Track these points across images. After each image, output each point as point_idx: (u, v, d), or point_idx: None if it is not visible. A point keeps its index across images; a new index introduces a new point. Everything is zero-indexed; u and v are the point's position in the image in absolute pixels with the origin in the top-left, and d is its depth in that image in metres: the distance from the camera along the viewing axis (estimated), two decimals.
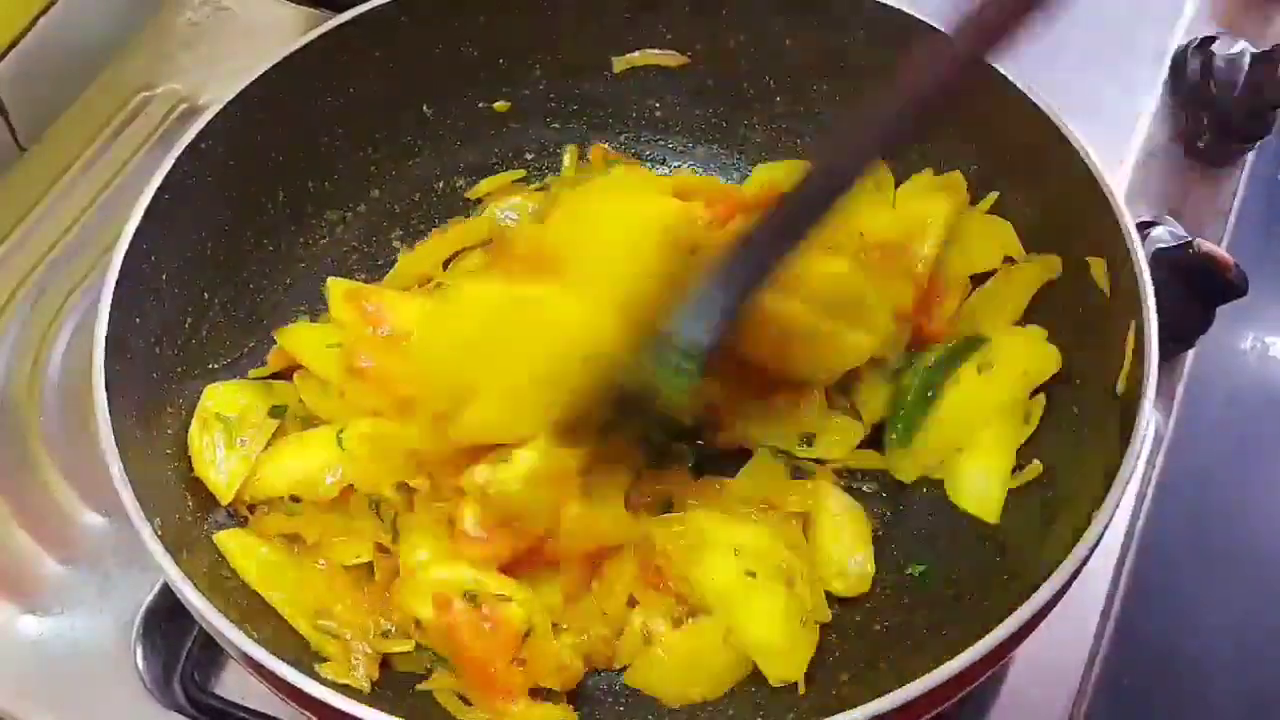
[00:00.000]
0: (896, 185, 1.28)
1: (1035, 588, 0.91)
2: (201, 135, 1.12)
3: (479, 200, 1.33)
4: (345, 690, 0.94)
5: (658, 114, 1.35)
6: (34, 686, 1.12)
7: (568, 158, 1.35)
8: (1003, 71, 1.16)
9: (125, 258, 1.06)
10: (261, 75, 1.16)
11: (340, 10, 1.21)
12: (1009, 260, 1.20)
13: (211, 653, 1.13)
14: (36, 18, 1.43)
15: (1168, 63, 1.52)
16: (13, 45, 1.41)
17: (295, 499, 1.09)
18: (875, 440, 1.18)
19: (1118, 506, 0.95)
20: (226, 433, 1.10)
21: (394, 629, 1.05)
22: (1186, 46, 1.52)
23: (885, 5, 1.20)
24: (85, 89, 1.50)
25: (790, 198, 1.00)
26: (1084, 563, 0.94)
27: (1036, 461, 1.11)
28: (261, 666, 0.90)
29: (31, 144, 1.45)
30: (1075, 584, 0.94)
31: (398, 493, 1.09)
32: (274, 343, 1.20)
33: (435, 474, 1.08)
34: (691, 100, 1.34)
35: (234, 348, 1.19)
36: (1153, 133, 1.47)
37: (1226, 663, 1.34)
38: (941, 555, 1.13)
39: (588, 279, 1.06)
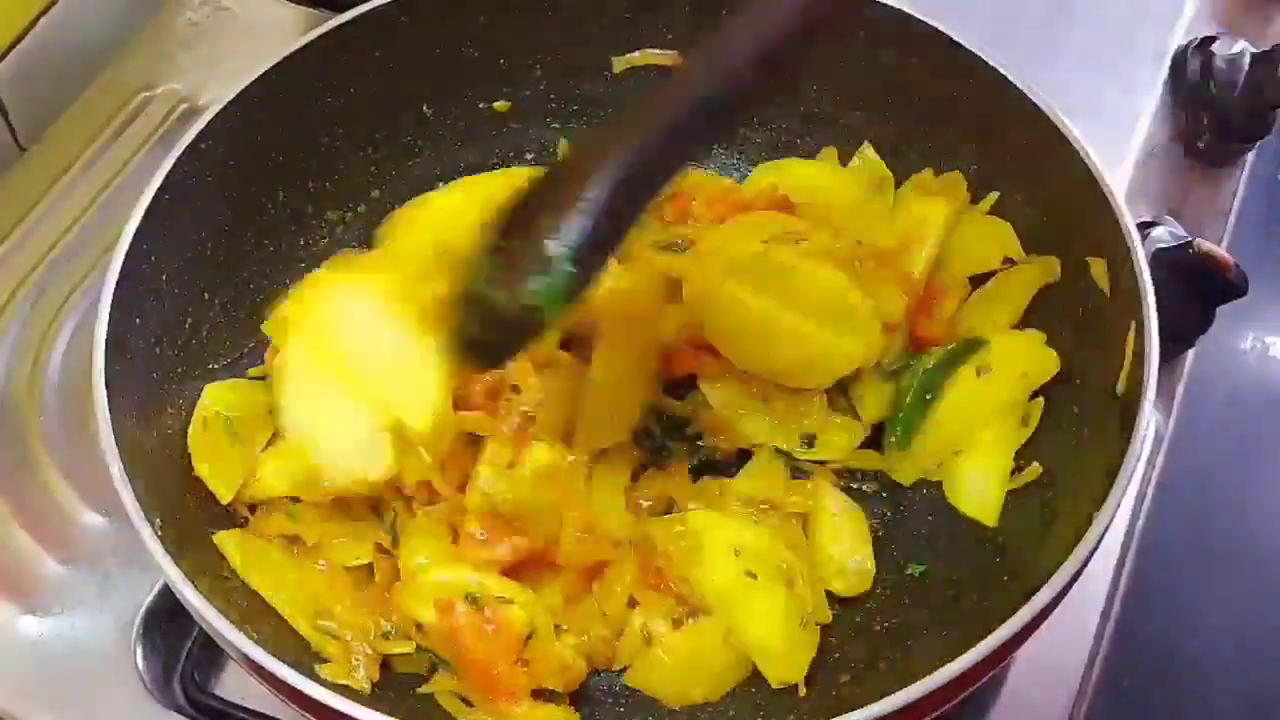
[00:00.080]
0: (896, 186, 1.28)
1: (1036, 589, 0.92)
2: (201, 135, 1.12)
3: None
4: (345, 691, 0.94)
5: None
6: (34, 686, 1.12)
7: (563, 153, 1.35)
8: (1003, 72, 1.16)
9: (125, 258, 1.06)
10: (261, 75, 1.16)
11: (340, 10, 1.21)
12: (1009, 262, 1.20)
13: (211, 653, 1.13)
14: (36, 18, 1.43)
15: (1168, 63, 1.52)
16: (13, 45, 1.41)
17: (295, 500, 1.09)
18: (875, 440, 1.19)
19: (1118, 507, 0.95)
20: (227, 432, 1.10)
21: (394, 630, 1.05)
22: (1186, 46, 1.52)
23: (885, 5, 1.20)
24: (85, 89, 1.50)
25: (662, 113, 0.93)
26: (1085, 564, 0.94)
27: (1036, 463, 1.11)
28: (261, 668, 0.91)
29: (31, 144, 1.45)
30: (1075, 584, 0.94)
31: (398, 495, 1.09)
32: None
33: (435, 476, 1.08)
34: None
35: (234, 348, 1.19)
36: (1153, 133, 1.47)
37: (1226, 663, 1.34)
38: (941, 556, 1.13)
39: None
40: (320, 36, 1.19)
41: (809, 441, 1.17)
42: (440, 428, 1.06)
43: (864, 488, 1.18)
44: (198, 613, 0.93)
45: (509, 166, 1.34)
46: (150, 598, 1.15)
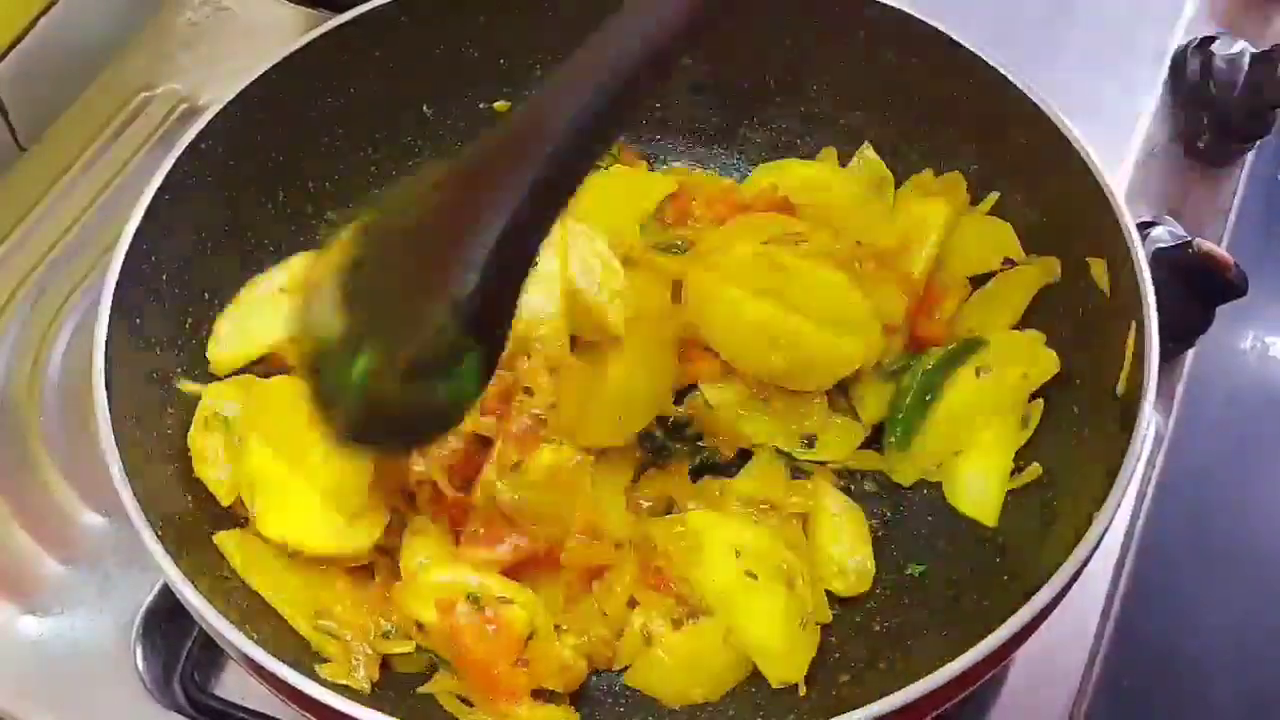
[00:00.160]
0: (896, 186, 1.28)
1: (1036, 589, 0.92)
2: (201, 135, 1.12)
3: None
4: (345, 691, 0.94)
5: (658, 114, 1.35)
6: (34, 686, 1.12)
7: None
8: (1003, 72, 1.16)
9: (125, 258, 1.06)
10: (261, 75, 1.16)
11: (340, 10, 1.21)
12: (1008, 262, 1.20)
13: (211, 653, 1.13)
14: (36, 18, 1.43)
15: (1168, 63, 1.52)
16: (13, 45, 1.41)
17: None
18: (875, 441, 1.19)
19: (1118, 507, 0.95)
20: (227, 433, 1.10)
21: (394, 630, 1.05)
22: (1186, 46, 1.52)
23: (885, 5, 1.20)
24: (85, 89, 1.50)
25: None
26: (1085, 564, 0.94)
27: (1036, 463, 1.11)
28: (261, 668, 0.91)
29: (31, 144, 1.45)
30: (1075, 584, 0.94)
31: (399, 495, 1.09)
32: None
33: (439, 477, 1.08)
34: (691, 100, 1.34)
35: None
36: (1153, 133, 1.47)
37: (1226, 663, 1.34)
38: (941, 556, 1.13)
39: None
40: (320, 36, 1.19)
41: (809, 442, 1.18)
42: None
43: (864, 488, 1.18)
44: (198, 613, 0.93)
45: None
46: (150, 598, 1.15)
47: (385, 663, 1.04)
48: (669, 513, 1.13)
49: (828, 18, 1.24)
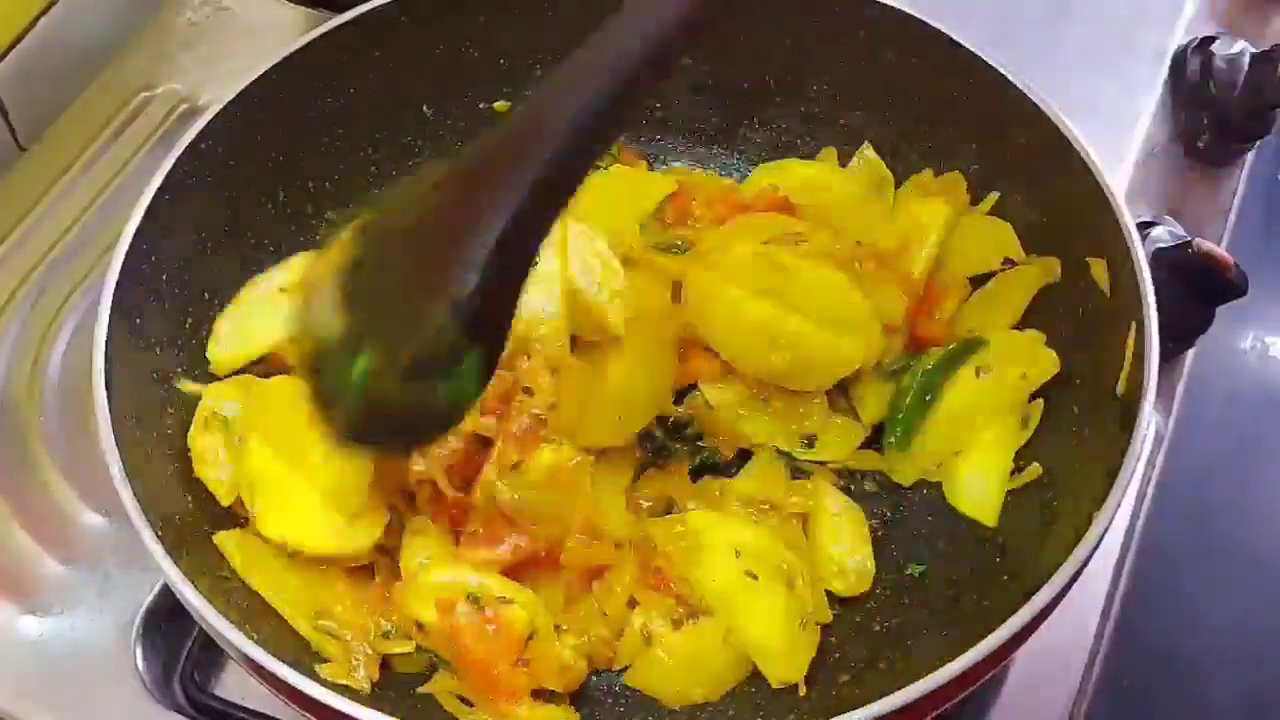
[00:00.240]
0: (896, 186, 1.28)
1: (1036, 589, 0.92)
2: (201, 135, 1.12)
3: None
4: (345, 691, 0.94)
5: (658, 114, 1.35)
6: (34, 686, 1.12)
7: None
8: (1003, 72, 1.16)
9: (125, 258, 1.06)
10: (261, 75, 1.16)
11: (340, 10, 1.21)
12: (1008, 262, 1.20)
13: (211, 653, 1.13)
14: (36, 18, 1.43)
15: (1168, 63, 1.51)
16: (13, 45, 1.41)
17: None
18: (875, 441, 1.19)
19: (1118, 507, 0.95)
20: (227, 433, 1.10)
21: (394, 630, 1.05)
22: (1186, 46, 1.52)
23: (885, 5, 1.20)
24: (85, 89, 1.50)
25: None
26: (1085, 564, 0.94)
27: (1036, 463, 1.11)
28: (261, 668, 0.91)
29: (31, 144, 1.45)
30: (1075, 584, 0.94)
31: (400, 495, 1.09)
32: None
33: (440, 476, 1.08)
34: (691, 100, 1.34)
35: None
36: (1153, 133, 1.47)
37: (1226, 663, 1.34)
38: (941, 556, 1.13)
39: None
40: (320, 36, 1.19)
41: (809, 442, 1.18)
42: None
43: (864, 488, 1.18)
44: (198, 613, 0.93)
45: None
46: (150, 598, 1.15)
47: (385, 663, 1.04)
48: (669, 513, 1.13)
49: (828, 18, 1.24)
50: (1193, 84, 1.50)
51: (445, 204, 0.82)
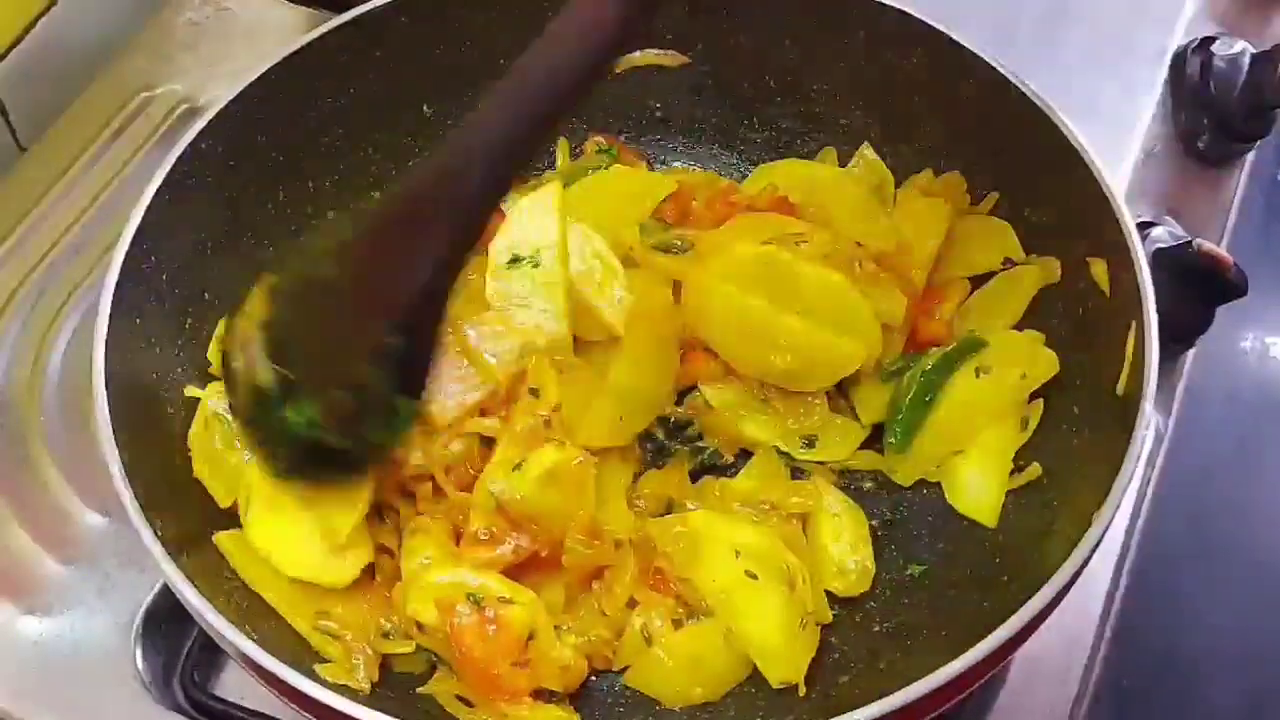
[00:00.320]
0: (896, 186, 1.28)
1: (1036, 589, 0.91)
2: (201, 135, 1.12)
3: None
4: (344, 691, 0.94)
5: (658, 114, 1.35)
6: (34, 686, 1.12)
7: (560, 153, 1.34)
8: (1003, 71, 1.16)
9: (125, 258, 1.06)
10: (261, 75, 1.16)
11: (340, 10, 1.21)
12: (1009, 262, 1.20)
13: (211, 653, 1.13)
14: (36, 18, 1.43)
15: (1168, 63, 1.51)
16: (13, 45, 1.41)
17: None
18: (875, 440, 1.19)
19: (1118, 507, 0.95)
20: (227, 433, 1.10)
21: (394, 630, 1.05)
22: (1186, 46, 1.52)
23: (885, 5, 1.20)
24: (85, 89, 1.50)
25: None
26: (1085, 564, 0.94)
27: (1036, 463, 1.11)
28: (261, 667, 0.90)
29: (31, 144, 1.45)
30: (1075, 584, 0.94)
31: (399, 497, 1.09)
32: None
33: (441, 476, 1.08)
34: (691, 100, 1.34)
35: None
36: (1153, 133, 1.47)
37: (1226, 663, 1.34)
38: (941, 556, 1.13)
39: None
40: (320, 36, 1.19)
41: (809, 442, 1.17)
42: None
43: (864, 487, 1.18)
44: (197, 612, 0.93)
45: None
46: (150, 598, 1.15)
47: (385, 663, 1.04)
48: (669, 513, 1.13)
49: (828, 18, 1.24)
50: (1193, 84, 1.50)
51: (368, 258, 0.85)
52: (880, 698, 0.87)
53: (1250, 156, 1.55)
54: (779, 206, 1.24)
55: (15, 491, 1.22)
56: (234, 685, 1.13)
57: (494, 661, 1.00)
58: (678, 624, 1.07)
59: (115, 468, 0.97)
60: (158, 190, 1.09)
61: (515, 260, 1.17)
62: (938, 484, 1.16)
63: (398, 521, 1.09)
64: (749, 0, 1.27)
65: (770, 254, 1.16)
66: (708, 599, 1.06)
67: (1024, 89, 1.15)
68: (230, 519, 1.07)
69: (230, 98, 1.15)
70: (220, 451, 1.09)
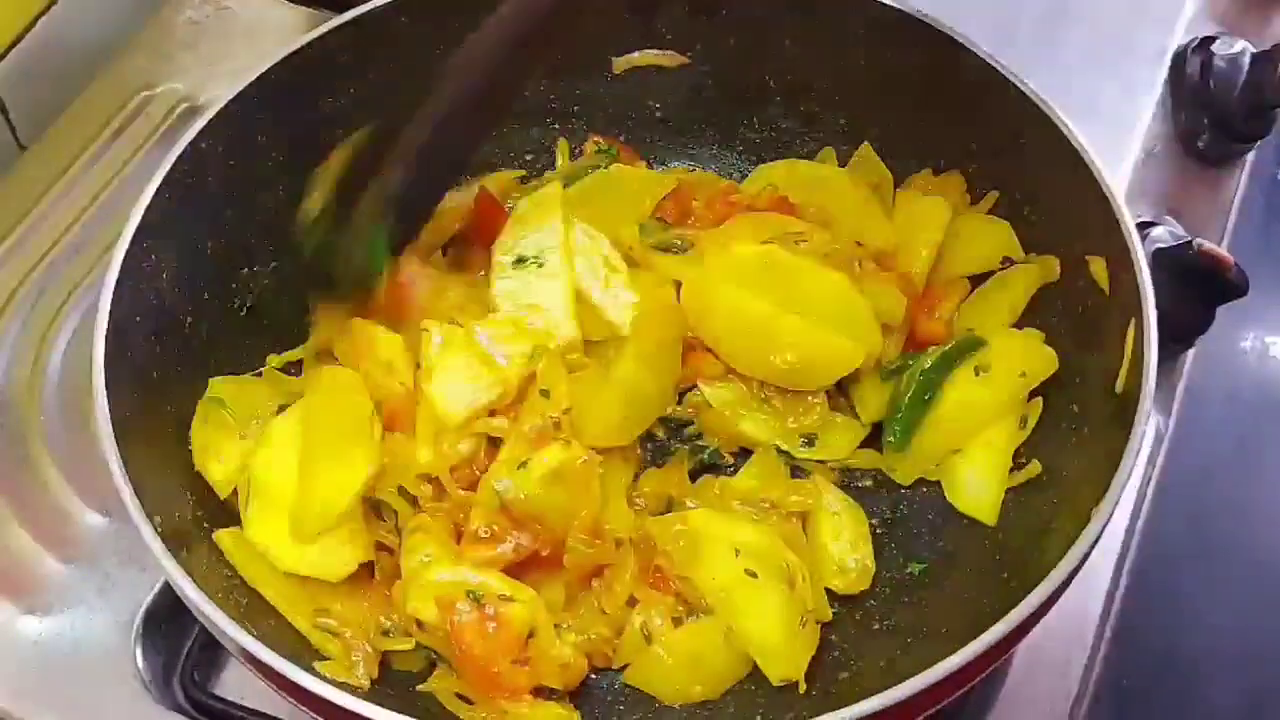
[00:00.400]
0: (896, 186, 1.28)
1: (1036, 586, 0.91)
2: (202, 135, 1.12)
3: None
4: (344, 687, 0.93)
5: (658, 114, 1.35)
6: (34, 686, 1.12)
7: (560, 154, 1.35)
8: (1003, 72, 1.16)
9: (125, 258, 1.06)
10: (261, 75, 1.16)
11: (340, 10, 1.21)
12: (1008, 261, 1.20)
13: (211, 653, 1.13)
14: (36, 18, 1.43)
15: (1168, 63, 1.51)
16: (13, 45, 1.41)
17: None
18: (875, 439, 1.19)
19: (1117, 505, 0.95)
20: (227, 427, 1.11)
21: (394, 627, 1.05)
22: (1186, 46, 1.52)
23: (885, 5, 1.20)
24: (85, 89, 1.50)
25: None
26: (1083, 561, 0.94)
27: (1036, 461, 1.11)
28: (261, 662, 0.90)
29: (32, 144, 1.45)
30: (1075, 583, 0.94)
31: (400, 497, 1.09)
32: (274, 341, 1.20)
33: (444, 475, 1.09)
34: (691, 100, 1.34)
35: (234, 347, 1.18)
36: (1153, 133, 1.47)
37: (1226, 663, 1.34)
38: (941, 554, 1.13)
39: None
40: (320, 36, 1.19)
41: (809, 441, 1.17)
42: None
43: (863, 486, 1.18)
44: (196, 608, 0.93)
45: (509, 166, 1.34)
46: (150, 598, 1.15)
47: (385, 660, 1.04)
48: (668, 511, 1.13)
49: (828, 18, 1.24)
50: (1193, 84, 1.50)
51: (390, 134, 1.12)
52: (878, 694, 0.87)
53: (1250, 156, 1.55)
54: (779, 206, 1.24)
55: (15, 491, 1.22)
56: (234, 685, 1.13)
57: (494, 659, 1.00)
58: (677, 622, 1.07)
59: (115, 466, 0.97)
60: (158, 190, 1.09)
61: (520, 261, 1.18)
62: (937, 482, 1.16)
63: (397, 520, 1.09)
64: (749, 0, 1.27)
65: (770, 253, 1.16)
66: (708, 597, 1.06)
67: (1024, 89, 1.15)
68: (230, 517, 1.07)
69: (230, 97, 1.15)
70: (220, 443, 1.10)
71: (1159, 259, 1.31)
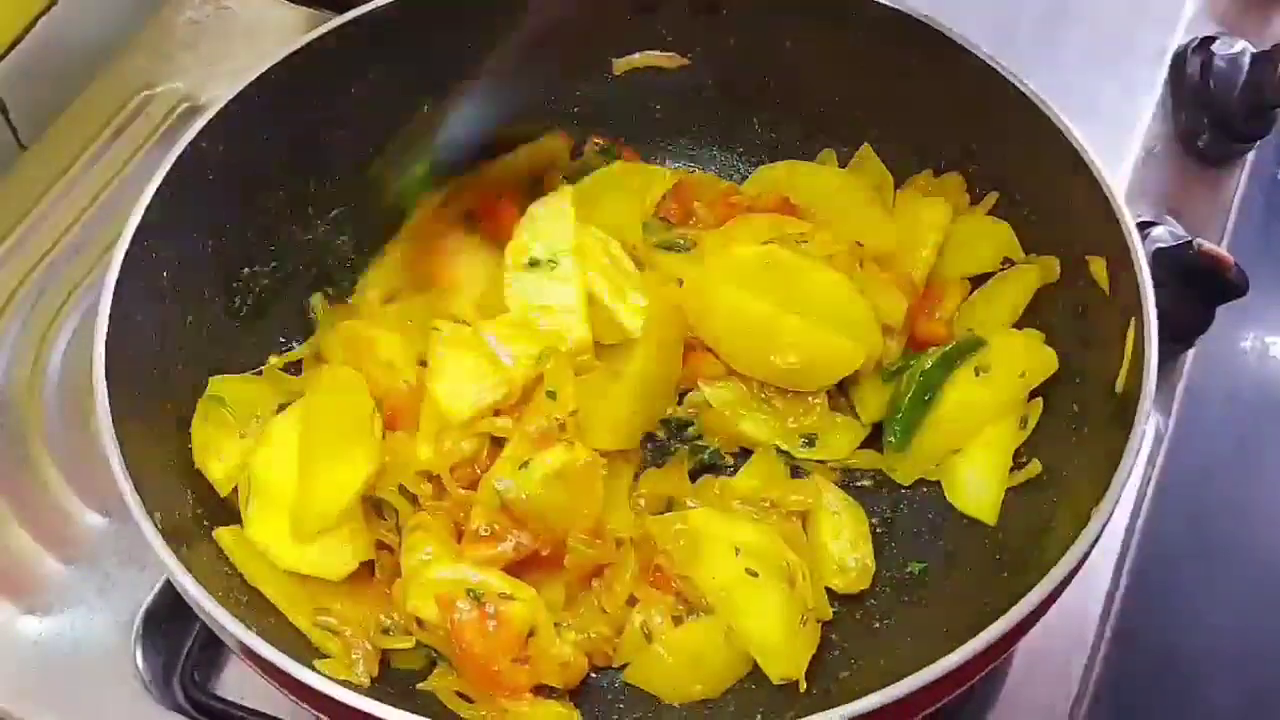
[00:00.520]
0: (896, 186, 1.28)
1: (1034, 585, 0.91)
2: (202, 135, 1.12)
3: None
4: (344, 685, 0.93)
5: (658, 115, 1.35)
6: (34, 686, 1.12)
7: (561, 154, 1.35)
8: (1003, 72, 1.16)
9: (125, 258, 1.06)
10: (261, 75, 1.16)
11: (340, 10, 1.21)
12: (1008, 262, 1.20)
13: (211, 653, 1.14)
14: (36, 18, 1.43)
15: (1168, 63, 1.51)
16: (13, 45, 1.41)
17: None
18: (875, 439, 1.19)
19: (1117, 505, 0.95)
20: (228, 425, 1.11)
21: (394, 626, 1.05)
22: (1186, 46, 1.52)
23: (884, 5, 1.20)
24: (85, 89, 1.50)
25: None
26: (1083, 560, 0.94)
27: (1036, 460, 1.11)
28: (261, 658, 0.90)
29: (32, 144, 1.45)
30: (1075, 583, 0.94)
31: (401, 495, 1.09)
32: (274, 340, 1.21)
33: (444, 478, 1.09)
34: (691, 101, 1.34)
35: (234, 346, 1.19)
36: (1153, 133, 1.47)
37: (1226, 662, 1.34)
38: (941, 553, 1.13)
39: None
40: (320, 36, 1.19)
41: (809, 441, 1.18)
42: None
43: (864, 485, 1.18)
44: (197, 604, 0.93)
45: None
46: (150, 598, 1.15)
47: (384, 659, 1.04)
48: (668, 511, 1.13)
49: (827, 19, 1.24)
50: (1193, 84, 1.50)
51: None
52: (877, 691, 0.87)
53: (1250, 156, 1.55)
54: (780, 207, 1.24)
55: (15, 491, 1.22)
56: (234, 684, 1.13)
57: (494, 658, 1.00)
58: (678, 621, 1.07)
59: (115, 464, 0.97)
60: (158, 190, 1.09)
61: (533, 263, 1.18)
62: (937, 482, 1.16)
63: (398, 518, 1.09)
64: (748, 1, 1.27)
65: (770, 253, 1.16)
66: (708, 596, 1.06)
67: (1024, 89, 1.15)
68: (230, 516, 1.08)
69: (230, 97, 1.15)
70: (220, 441, 1.10)
71: (1159, 259, 1.31)
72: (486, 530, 1.05)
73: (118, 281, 1.05)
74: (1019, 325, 1.18)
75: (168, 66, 1.52)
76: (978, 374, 1.16)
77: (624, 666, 1.07)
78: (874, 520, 1.15)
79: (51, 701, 1.12)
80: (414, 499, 1.09)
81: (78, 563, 1.18)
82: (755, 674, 1.06)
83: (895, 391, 1.17)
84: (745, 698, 1.05)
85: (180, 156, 1.11)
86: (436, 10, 1.23)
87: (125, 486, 0.95)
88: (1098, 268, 1.10)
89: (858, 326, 1.15)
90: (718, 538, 1.08)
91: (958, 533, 1.13)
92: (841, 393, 1.20)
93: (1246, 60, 1.48)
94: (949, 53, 1.18)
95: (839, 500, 1.14)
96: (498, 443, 1.10)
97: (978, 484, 1.13)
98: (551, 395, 1.10)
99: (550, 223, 1.20)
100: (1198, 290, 1.32)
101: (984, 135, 1.22)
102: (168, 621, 1.14)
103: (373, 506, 1.09)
